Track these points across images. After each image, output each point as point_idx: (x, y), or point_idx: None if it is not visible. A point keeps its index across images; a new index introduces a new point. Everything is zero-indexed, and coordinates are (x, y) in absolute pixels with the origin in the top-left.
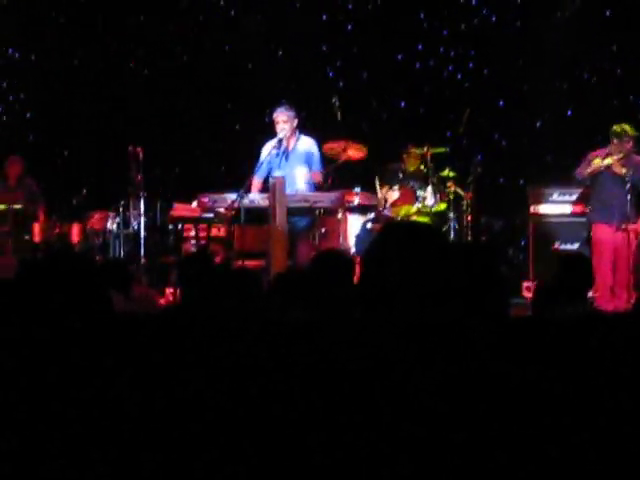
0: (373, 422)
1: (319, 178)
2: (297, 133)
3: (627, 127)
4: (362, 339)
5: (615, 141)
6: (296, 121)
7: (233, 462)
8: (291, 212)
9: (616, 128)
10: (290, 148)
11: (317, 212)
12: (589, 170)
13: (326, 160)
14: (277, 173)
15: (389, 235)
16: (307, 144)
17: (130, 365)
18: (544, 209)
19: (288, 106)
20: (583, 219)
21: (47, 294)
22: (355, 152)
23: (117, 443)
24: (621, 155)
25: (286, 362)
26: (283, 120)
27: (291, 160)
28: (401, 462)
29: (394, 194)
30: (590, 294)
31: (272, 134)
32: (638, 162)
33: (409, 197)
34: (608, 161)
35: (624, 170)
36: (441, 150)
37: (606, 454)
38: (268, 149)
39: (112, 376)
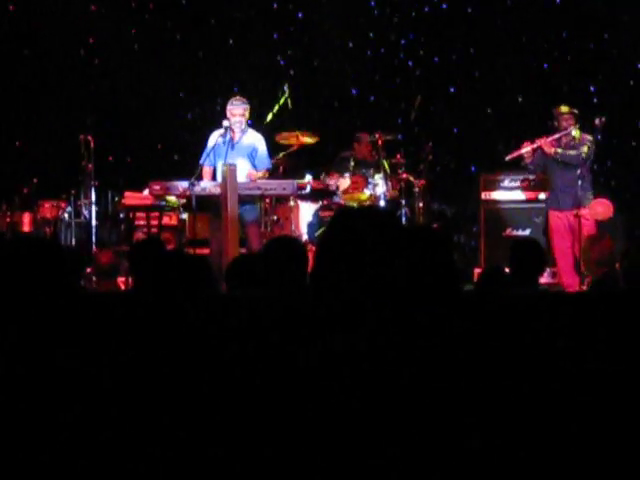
0: (324, 396)
1: (263, 177)
2: (245, 126)
3: (562, 107)
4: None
5: (555, 123)
6: (248, 114)
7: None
8: (239, 200)
9: (554, 109)
10: (236, 139)
11: (266, 200)
12: (514, 155)
13: (279, 147)
14: (220, 163)
15: (342, 220)
16: (253, 138)
17: (91, 347)
18: (495, 195)
19: (244, 99)
20: (535, 205)
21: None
22: (308, 139)
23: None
24: (557, 135)
25: (242, 339)
26: (240, 114)
27: (236, 151)
28: (357, 428)
29: (345, 182)
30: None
31: (220, 123)
32: (585, 141)
33: (361, 184)
34: (539, 143)
35: (552, 150)
36: (392, 137)
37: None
38: (215, 138)
39: (74, 356)
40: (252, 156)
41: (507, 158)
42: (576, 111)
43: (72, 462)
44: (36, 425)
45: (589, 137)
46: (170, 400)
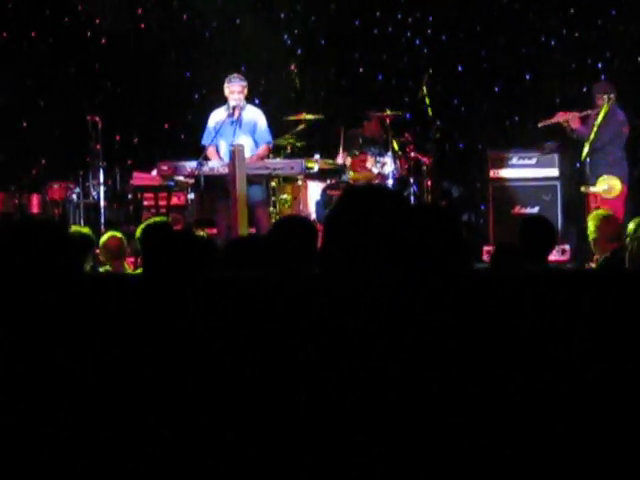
0: (331, 378)
1: (266, 152)
2: (244, 103)
3: (600, 83)
4: (322, 295)
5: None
6: (246, 91)
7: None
8: (247, 181)
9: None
10: (236, 117)
11: (274, 180)
12: (547, 122)
13: (286, 127)
14: (223, 142)
15: (350, 198)
16: (253, 114)
17: (99, 332)
18: (504, 173)
19: (242, 76)
20: (543, 182)
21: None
22: (313, 116)
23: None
24: (585, 113)
25: (251, 320)
26: (239, 91)
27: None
28: (356, 415)
29: (353, 160)
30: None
31: (221, 102)
32: (616, 120)
33: (369, 162)
34: (569, 117)
35: (575, 127)
36: (400, 114)
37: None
38: (217, 117)
39: (82, 343)
40: (253, 131)
41: (540, 125)
42: (607, 85)
43: (77, 454)
44: (39, 412)
45: (616, 117)
46: (176, 388)
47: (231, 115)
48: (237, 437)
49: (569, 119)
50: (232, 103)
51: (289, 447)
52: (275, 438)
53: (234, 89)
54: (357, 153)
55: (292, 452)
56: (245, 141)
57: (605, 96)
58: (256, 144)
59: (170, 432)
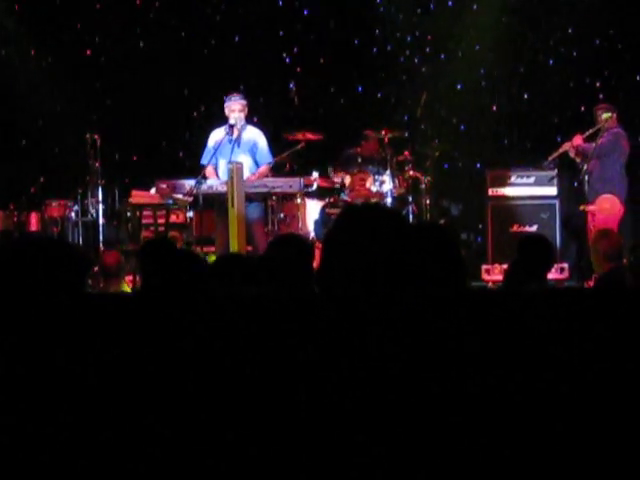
0: (328, 395)
1: (267, 172)
2: (244, 122)
3: (601, 103)
4: (319, 313)
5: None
6: (246, 110)
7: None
8: (245, 198)
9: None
10: (235, 136)
11: (273, 197)
12: (555, 155)
13: (285, 144)
14: (222, 161)
15: (349, 217)
16: (252, 133)
17: (99, 348)
18: (503, 191)
19: (242, 95)
20: (542, 201)
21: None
22: (314, 136)
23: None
24: (588, 132)
25: (248, 336)
26: (239, 109)
27: (237, 147)
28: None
29: (352, 178)
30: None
31: (221, 121)
32: (614, 133)
33: (367, 181)
34: (574, 141)
35: (577, 143)
36: (399, 134)
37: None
38: (216, 137)
39: (83, 358)
40: (253, 151)
41: (549, 159)
42: (608, 105)
43: (73, 462)
44: (36, 425)
45: (616, 130)
46: (173, 400)
47: (230, 134)
48: (237, 437)
49: (572, 141)
50: (231, 122)
51: (289, 447)
52: (275, 438)
53: (234, 107)
54: (356, 172)
55: (292, 452)
56: (244, 160)
57: (605, 114)
58: (256, 164)
59: (170, 432)
